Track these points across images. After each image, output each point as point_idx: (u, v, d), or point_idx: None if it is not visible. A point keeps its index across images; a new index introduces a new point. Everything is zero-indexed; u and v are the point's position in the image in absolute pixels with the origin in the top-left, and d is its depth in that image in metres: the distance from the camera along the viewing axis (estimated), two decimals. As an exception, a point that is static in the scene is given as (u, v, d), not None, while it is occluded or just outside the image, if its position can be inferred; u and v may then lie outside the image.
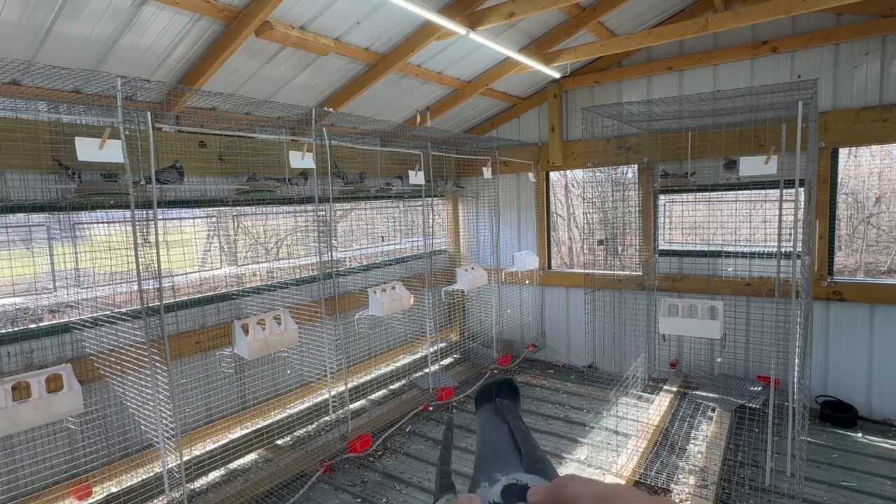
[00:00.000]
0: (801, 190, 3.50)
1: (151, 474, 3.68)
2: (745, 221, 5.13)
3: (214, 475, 4.01)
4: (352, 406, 5.14)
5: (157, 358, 3.08)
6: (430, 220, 5.69)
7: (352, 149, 5.11)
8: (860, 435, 4.47)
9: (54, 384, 2.97)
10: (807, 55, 4.80)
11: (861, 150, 8.57)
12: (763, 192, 4.98)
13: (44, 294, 3.45)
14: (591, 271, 5.59)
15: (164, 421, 3.14)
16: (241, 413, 4.45)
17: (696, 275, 5.37)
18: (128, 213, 2.96)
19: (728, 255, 5.19)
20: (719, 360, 5.40)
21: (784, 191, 3.68)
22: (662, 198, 5.65)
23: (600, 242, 5.69)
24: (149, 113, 2.93)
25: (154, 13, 3.01)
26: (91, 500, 3.41)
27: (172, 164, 3.52)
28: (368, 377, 5.70)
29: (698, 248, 5.40)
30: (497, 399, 0.69)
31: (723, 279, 5.18)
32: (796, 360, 3.62)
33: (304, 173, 4.35)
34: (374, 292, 4.86)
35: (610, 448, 4.29)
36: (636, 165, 5.63)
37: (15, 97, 3.09)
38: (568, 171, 8.89)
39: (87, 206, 3.36)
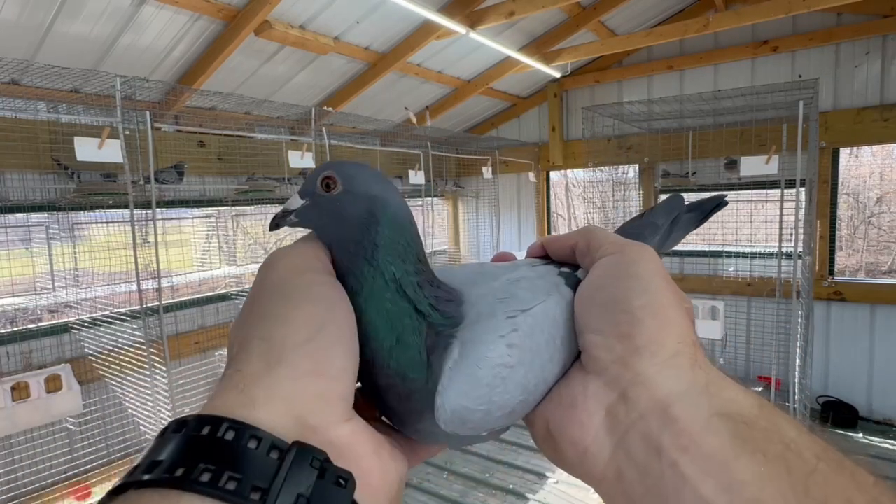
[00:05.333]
0: (802, 190, 3.49)
1: (151, 475, 3.66)
2: (746, 221, 5.12)
3: (214, 475, 4.00)
4: (352, 406, 5.12)
5: (156, 358, 3.07)
6: (430, 220, 5.68)
7: (351, 148, 5.10)
8: (861, 435, 4.46)
9: (53, 384, 2.96)
10: (807, 55, 4.79)
11: (862, 149, 8.56)
12: (764, 191, 4.96)
13: (43, 294, 3.44)
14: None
15: (163, 421, 3.13)
16: (240, 413, 4.44)
17: (696, 275, 5.35)
18: (127, 213, 2.95)
19: (729, 255, 5.18)
20: (720, 360, 5.39)
21: (785, 191, 3.67)
22: (663, 198, 5.64)
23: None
24: (148, 112, 2.93)
25: (153, 12, 3.00)
26: (90, 501, 3.40)
27: (175, 164, 3.52)
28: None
29: (699, 248, 5.38)
30: None
31: (724, 279, 5.17)
32: (797, 361, 3.61)
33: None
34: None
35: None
36: (637, 165, 5.62)
37: (14, 97, 3.08)
38: (568, 171, 8.88)
39: (86, 206, 3.35)
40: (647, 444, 0.28)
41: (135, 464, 0.24)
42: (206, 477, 0.23)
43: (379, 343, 0.32)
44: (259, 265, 0.34)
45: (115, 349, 3.33)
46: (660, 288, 0.33)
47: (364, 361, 0.32)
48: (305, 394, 0.27)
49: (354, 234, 0.33)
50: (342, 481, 0.25)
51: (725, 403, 0.29)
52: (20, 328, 3.30)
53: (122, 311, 3.38)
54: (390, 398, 0.33)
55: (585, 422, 0.31)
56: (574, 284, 0.38)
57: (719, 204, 0.51)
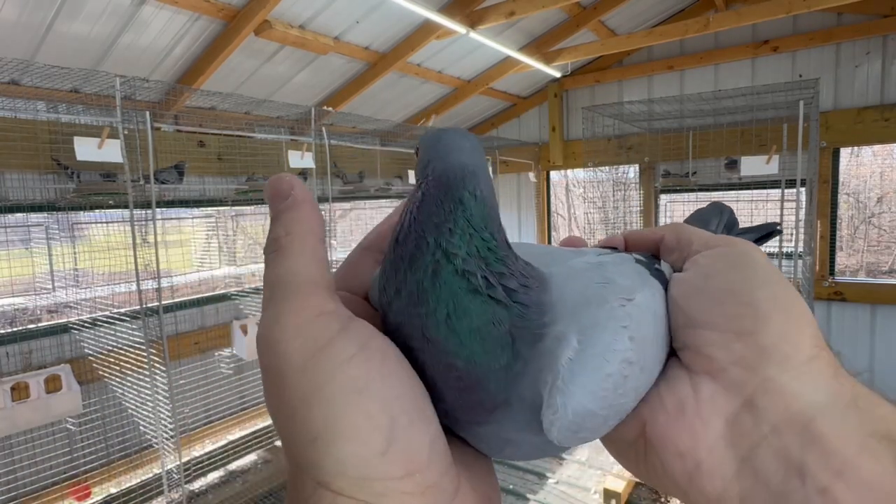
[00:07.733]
0: (803, 190, 3.49)
1: (150, 475, 3.67)
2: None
3: (213, 476, 4.00)
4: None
5: (155, 358, 3.07)
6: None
7: (351, 148, 5.09)
8: (861, 435, 4.45)
9: (53, 385, 2.96)
10: (808, 55, 4.78)
11: (863, 149, 8.56)
12: (764, 191, 4.96)
13: (42, 294, 3.44)
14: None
15: (162, 422, 3.13)
16: (240, 414, 4.44)
17: (696, 275, 5.34)
18: (127, 213, 2.95)
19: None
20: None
21: (785, 191, 3.67)
22: (664, 198, 5.64)
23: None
24: (147, 112, 2.93)
25: (153, 12, 3.00)
26: (90, 501, 3.40)
27: (175, 164, 3.52)
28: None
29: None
30: None
31: (724, 279, 5.16)
32: (797, 361, 3.59)
33: (304, 173, 4.33)
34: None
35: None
36: (637, 165, 5.62)
37: (14, 97, 3.08)
38: (568, 171, 8.88)
39: (86, 206, 3.35)
40: (786, 465, 0.24)
41: None
42: None
43: (428, 308, 0.25)
44: (262, 281, 0.28)
45: (115, 349, 3.33)
46: (782, 281, 0.29)
47: (415, 339, 0.27)
48: (412, 496, 0.24)
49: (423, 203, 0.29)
50: None
51: (882, 423, 0.24)
52: (20, 328, 3.30)
53: (122, 311, 3.38)
54: (446, 388, 0.26)
55: (699, 431, 0.27)
56: (657, 276, 0.33)
57: (773, 232, 0.46)
